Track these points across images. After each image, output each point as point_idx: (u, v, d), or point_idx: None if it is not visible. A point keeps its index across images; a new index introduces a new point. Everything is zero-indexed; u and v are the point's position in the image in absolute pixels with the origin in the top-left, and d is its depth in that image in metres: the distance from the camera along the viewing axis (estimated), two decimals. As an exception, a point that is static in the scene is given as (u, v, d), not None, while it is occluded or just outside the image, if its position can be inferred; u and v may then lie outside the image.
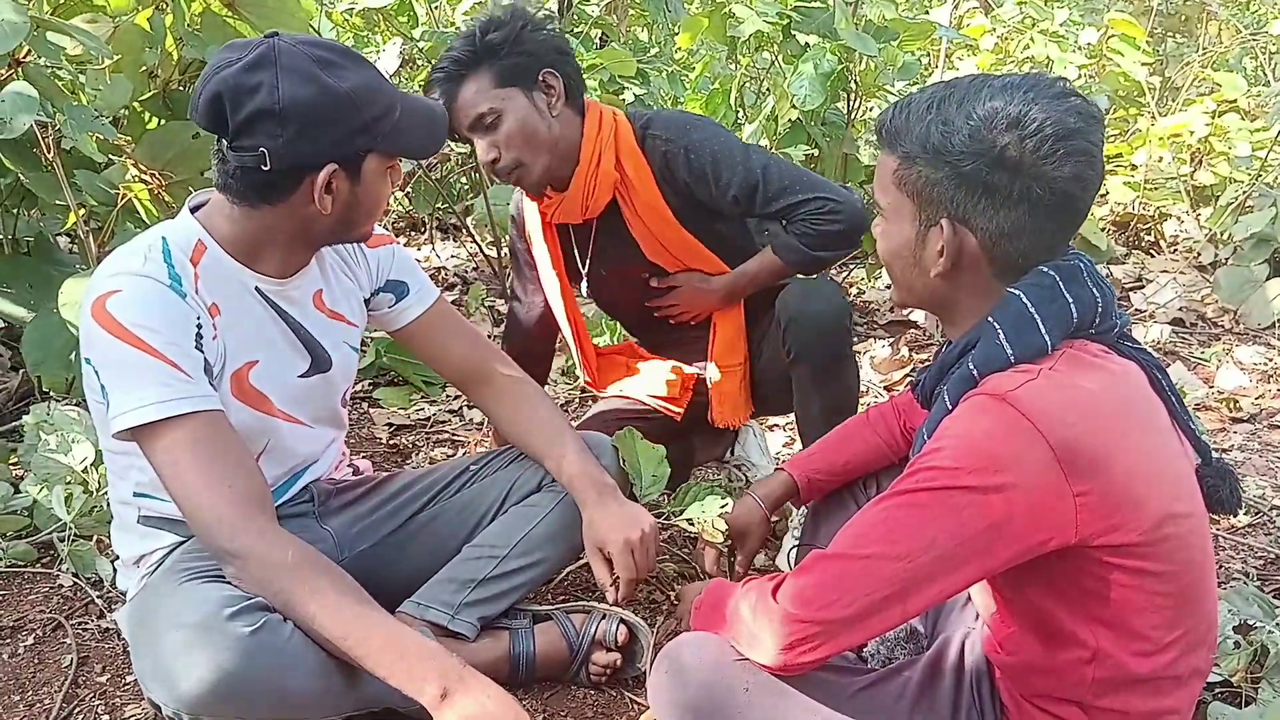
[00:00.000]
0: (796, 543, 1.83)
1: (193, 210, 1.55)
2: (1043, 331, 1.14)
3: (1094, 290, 1.18)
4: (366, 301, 1.77)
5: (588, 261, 2.23)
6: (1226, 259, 3.94)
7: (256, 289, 1.57)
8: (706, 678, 1.27)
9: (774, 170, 2.03)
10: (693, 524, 1.80)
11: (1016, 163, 1.12)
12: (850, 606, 1.14)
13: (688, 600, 1.56)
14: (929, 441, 1.15)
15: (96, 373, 1.44)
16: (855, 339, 2.21)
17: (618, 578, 1.68)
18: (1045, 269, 1.17)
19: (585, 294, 2.29)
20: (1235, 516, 1.41)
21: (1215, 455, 1.27)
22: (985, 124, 1.13)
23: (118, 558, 1.68)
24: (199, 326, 1.46)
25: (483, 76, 1.93)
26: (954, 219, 1.18)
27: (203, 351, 1.46)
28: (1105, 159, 1.18)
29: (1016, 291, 1.17)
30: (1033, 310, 1.15)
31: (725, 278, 2.16)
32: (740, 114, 3.44)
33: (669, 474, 1.90)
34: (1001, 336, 1.15)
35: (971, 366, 1.17)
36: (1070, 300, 1.16)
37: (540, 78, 1.96)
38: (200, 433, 1.41)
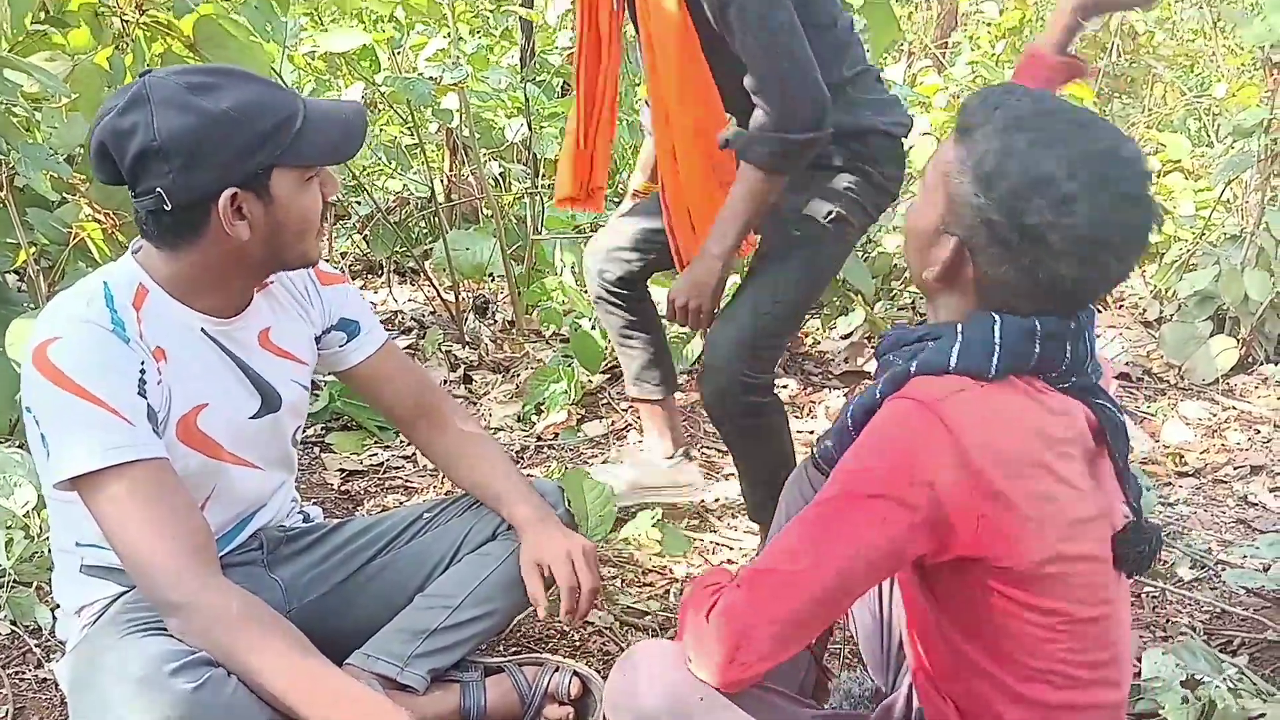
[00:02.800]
0: None
1: (134, 252, 1.53)
2: (994, 360, 1.16)
3: (1068, 351, 1.18)
4: (317, 340, 1.75)
5: None
6: (1171, 315, 4.02)
7: (202, 330, 1.55)
8: (660, 686, 1.27)
9: (764, 39, 1.85)
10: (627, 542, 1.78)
11: (1038, 239, 1.11)
12: (781, 620, 1.17)
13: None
14: (853, 445, 1.19)
15: (37, 421, 1.41)
16: (771, 389, 2.16)
17: (552, 599, 1.69)
18: (1039, 317, 1.17)
19: None
20: (1136, 577, 1.44)
21: (1147, 518, 1.27)
22: (1032, 187, 1.10)
23: (58, 606, 1.64)
24: (142, 372, 1.44)
25: None
26: (964, 242, 1.17)
27: (145, 398, 1.43)
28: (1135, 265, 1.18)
29: (996, 318, 1.17)
30: (998, 339, 1.16)
31: (710, 235, 2.02)
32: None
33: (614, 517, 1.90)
34: (955, 346, 1.17)
35: (912, 367, 1.19)
36: (1036, 354, 1.17)
37: None
38: (142, 482, 1.39)
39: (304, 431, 2.96)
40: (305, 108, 1.46)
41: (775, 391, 2.21)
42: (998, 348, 1.16)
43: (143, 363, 1.44)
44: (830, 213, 2.05)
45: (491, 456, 1.82)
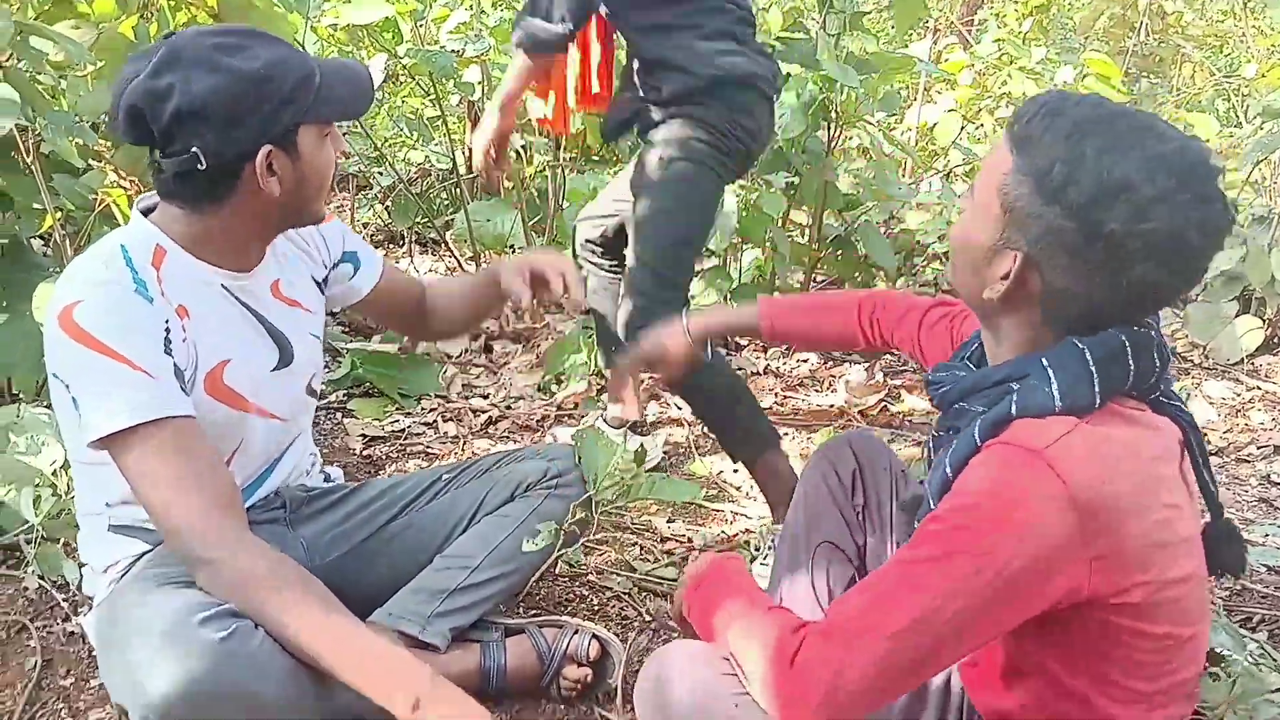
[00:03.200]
0: (773, 546, 1.79)
1: (145, 213, 1.54)
2: (1096, 390, 1.10)
3: (1156, 360, 1.15)
4: (325, 281, 1.78)
5: None
6: (1197, 295, 4.00)
7: (221, 285, 1.56)
8: (694, 691, 1.24)
9: None
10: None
11: (1114, 247, 1.06)
12: (874, 681, 1.09)
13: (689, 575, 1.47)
14: (953, 493, 1.12)
15: (66, 385, 1.42)
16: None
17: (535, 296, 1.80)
18: (1118, 332, 1.13)
19: None
20: (1238, 578, 1.39)
21: (1227, 515, 1.25)
22: (1107, 192, 1.05)
23: (84, 563, 1.66)
24: (167, 330, 1.45)
25: None
26: (1029, 256, 1.12)
27: (171, 356, 1.44)
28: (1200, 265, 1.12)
29: (1082, 346, 1.12)
30: (1093, 368, 1.11)
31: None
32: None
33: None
34: (1054, 386, 1.11)
35: (1014, 409, 1.12)
36: (1132, 369, 1.12)
37: None
38: (171, 440, 1.40)
39: (326, 398, 2.99)
40: (319, 65, 1.49)
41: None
42: (1095, 376, 1.11)
43: (167, 321, 1.45)
44: (670, 159, 2.24)
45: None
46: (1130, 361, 1.12)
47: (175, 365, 1.45)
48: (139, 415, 1.38)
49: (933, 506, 1.15)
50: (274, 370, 1.65)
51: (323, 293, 1.78)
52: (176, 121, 1.39)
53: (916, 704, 1.34)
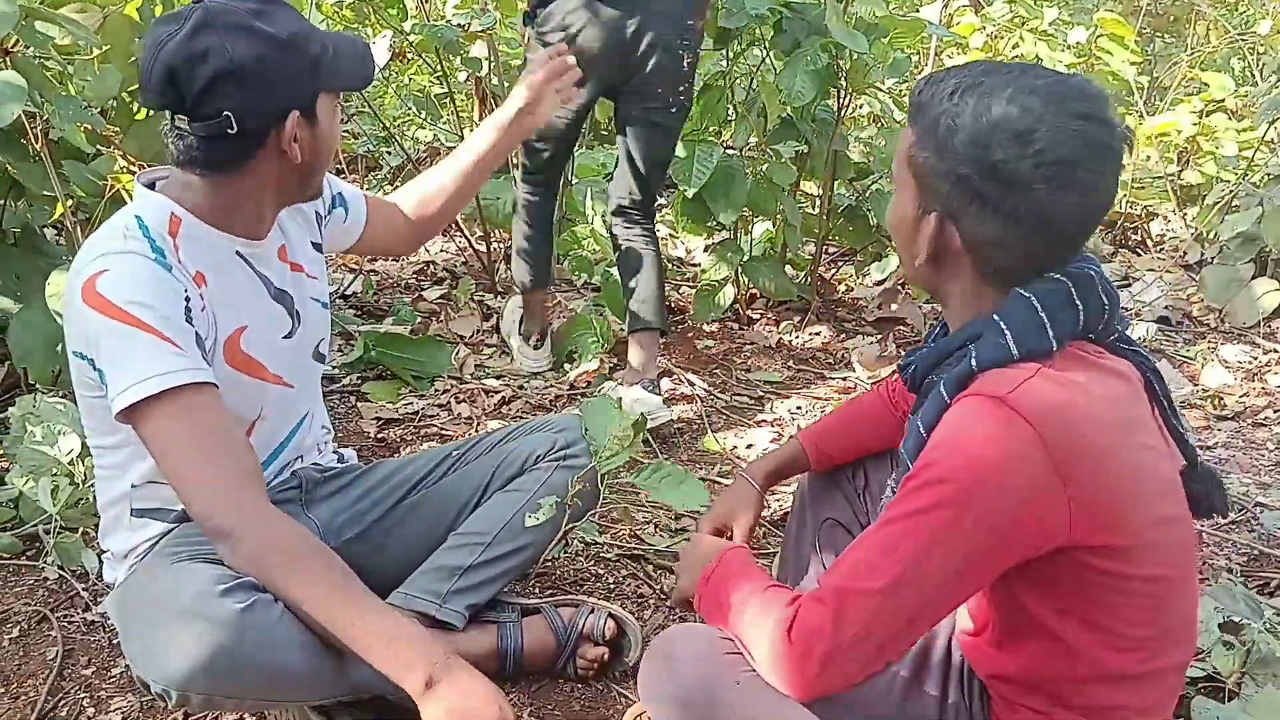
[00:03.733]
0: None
1: (149, 187, 1.54)
2: (1050, 335, 1.13)
3: (1103, 297, 1.17)
4: (321, 239, 1.79)
5: None
6: (1212, 258, 3.96)
7: (237, 252, 1.57)
8: (698, 670, 1.25)
9: None
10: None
11: (1010, 178, 1.10)
12: (869, 639, 1.12)
13: (689, 559, 1.49)
14: (928, 448, 1.14)
15: (91, 360, 1.43)
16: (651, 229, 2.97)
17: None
18: (1058, 275, 1.16)
19: None
20: (1224, 518, 1.41)
21: (1201, 458, 1.26)
22: (989, 130, 1.10)
23: (105, 551, 1.67)
24: (187, 299, 1.46)
25: None
26: (944, 215, 1.17)
27: (193, 324, 1.46)
28: (1115, 185, 1.15)
29: (1028, 295, 1.15)
30: (1042, 314, 1.14)
31: None
32: (731, 110, 3.44)
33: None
34: (1008, 337, 1.14)
35: (973, 363, 1.15)
36: (1080, 308, 1.15)
37: None
38: (195, 407, 1.40)
39: (339, 381, 2.99)
40: (328, 38, 1.52)
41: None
42: (1046, 321, 1.14)
43: (186, 290, 1.47)
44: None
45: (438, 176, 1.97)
46: (1077, 301, 1.15)
47: (197, 334, 1.46)
48: (168, 381, 1.38)
49: (910, 467, 1.18)
50: (285, 338, 1.67)
51: (320, 252, 1.79)
52: (212, 84, 1.40)
53: (920, 674, 1.35)
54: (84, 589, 1.98)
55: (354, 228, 1.86)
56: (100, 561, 1.88)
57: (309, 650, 1.41)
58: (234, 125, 1.42)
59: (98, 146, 2.67)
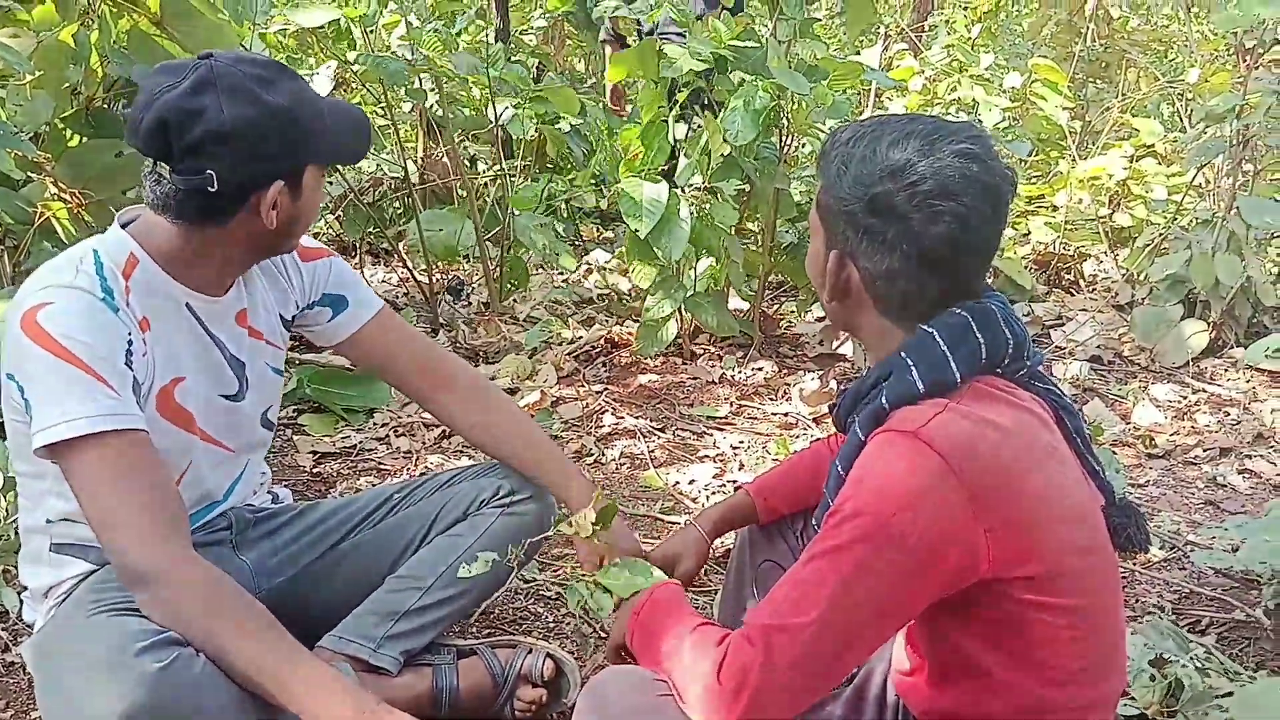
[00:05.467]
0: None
1: (123, 225, 1.52)
2: (953, 368, 1.17)
3: (1006, 332, 1.20)
4: (293, 319, 1.74)
5: None
6: (1143, 299, 4.06)
7: (187, 304, 1.55)
8: (629, 713, 1.25)
9: None
10: (570, 526, 1.59)
11: (889, 212, 1.16)
12: (797, 674, 1.13)
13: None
14: (846, 485, 1.16)
15: (21, 388, 1.39)
16: None
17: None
18: (958, 310, 1.20)
19: None
20: (1145, 553, 1.44)
21: (1121, 494, 1.29)
22: (872, 168, 1.17)
23: (24, 589, 1.62)
24: (129, 342, 1.43)
25: None
26: (842, 252, 1.23)
27: (131, 368, 1.43)
28: (1001, 228, 1.20)
29: (930, 330, 1.19)
30: (945, 348, 1.18)
31: None
32: (675, 147, 3.47)
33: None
34: (914, 373, 1.18)
35: (884, 401, 1.20)
36: (981, 342, 1.18)
37: None
38: (123, 452, 1.37)
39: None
40: (325, 106, 1.51)
41: None
42: (947, 353, 1.18)
43: (130, 333, 1.44)
44: None
45: (510, 414, 1.82)
46: (978, 334, 1.18)
47: (134, 378, 1.44)
48: (95, 425, 1.36)
49: (831, 505, 1.19)
50: (225, 398, 1.63)
51: (288, 329, 1.74)
52: (201, 142, 1.39)
53: (854, 710, 1.35)
54: (2, 629, 1.92)
55: (337, 331, 1.77)
56: (20, 601, 1.82)
57: (232, 705, 1.36)
58: (215, 185, 1.41)
59: (28, 173, 2.62)
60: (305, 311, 1.74)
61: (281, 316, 1.72)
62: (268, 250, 1.58)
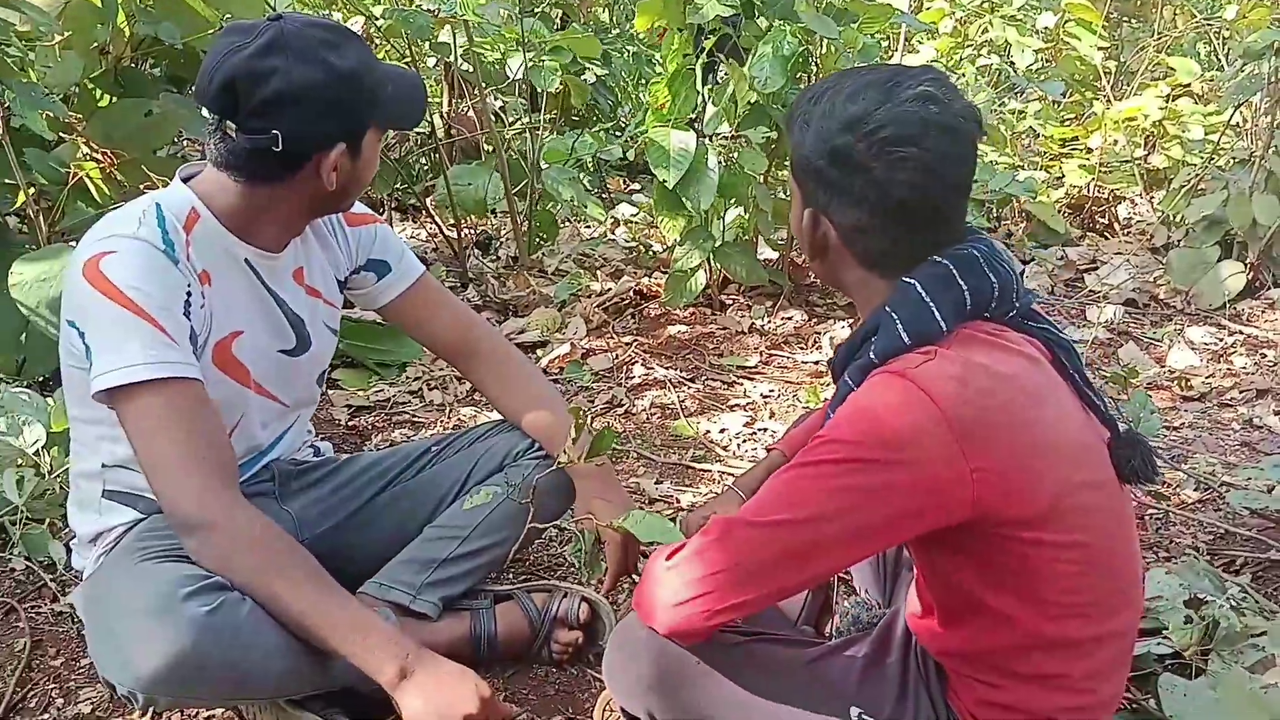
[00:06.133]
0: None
1: (184, 180, 1.55)
2: (938, 318, 1.17)
3: (990, 276, 1.19)
4: (344, 281, 1.77)
5: None
6: (1179, 241, 4.00)
7: (246, 260, 1.57)
8: (657, 653, 1.28)
9: None
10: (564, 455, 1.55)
11: (848, 161, 1.16)
12: (748, 570, 1.17)
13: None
14: (836, 414, 1.18)
15: (81, 334, 1.42)
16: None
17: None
18: (939, 258, 1.19)
19: None
20: (1152, 484, 1.44)
21: (1126, 428, 1.28)
22: (831, 122, 1.17)
23: (72, 538, 1.65)
24: (188, 294, 1.46)
25: None
26: (817, 209, 1.23)
27: (190, 319, 1.46)
28: (970, 167, 1.19)
29: (912, 281, 1.19)
30: (927, 298, 1.18)
31: None
32: (701, 96, 3.44)
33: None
34: (899, 325, 1.18)
35: (872, 355, 1.20)
36: (965, 289, 1.18)
37: None
38: (179, 400, 1.40)
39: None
40: (387, 73, 1.54)
41: None
42: (931, 303, 1.17)
43: (189, 284, 1.47)
44: None
45: (535, 386, 1.83)
46: (961, 281, 1.18)
47: (191, 329, 1.47)
48: (153, 372, 1.38)
49: None
50: (283, 353, 1.66)
51: (341, 290, 1.78)
52: (269, 103, 1.41)
53: (880, 654, 1.37)
54: (51, 580, 1.96)
55: (379, 296, 1.80)
56: (68, 551, 1.86)
57: (278, 649, 1.40)
58: (279, 145, 1.43)
59: (59, 134, 2.64)
60: (352, 276, 1.77)
61: (335, 278, 1.75)
62: (325, 210, 1.61)
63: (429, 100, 1.61)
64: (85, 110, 2.76)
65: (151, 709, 1.58)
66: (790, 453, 1.71)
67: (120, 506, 1.58)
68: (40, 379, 2.57)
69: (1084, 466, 1.19)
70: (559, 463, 1.53)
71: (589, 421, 1.51)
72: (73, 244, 1.52)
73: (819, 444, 1.16)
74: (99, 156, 2.56)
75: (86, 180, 2.53)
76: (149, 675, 1.33)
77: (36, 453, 2.05)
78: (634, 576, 1.70)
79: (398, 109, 1.55)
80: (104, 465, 1.57)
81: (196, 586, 1.36)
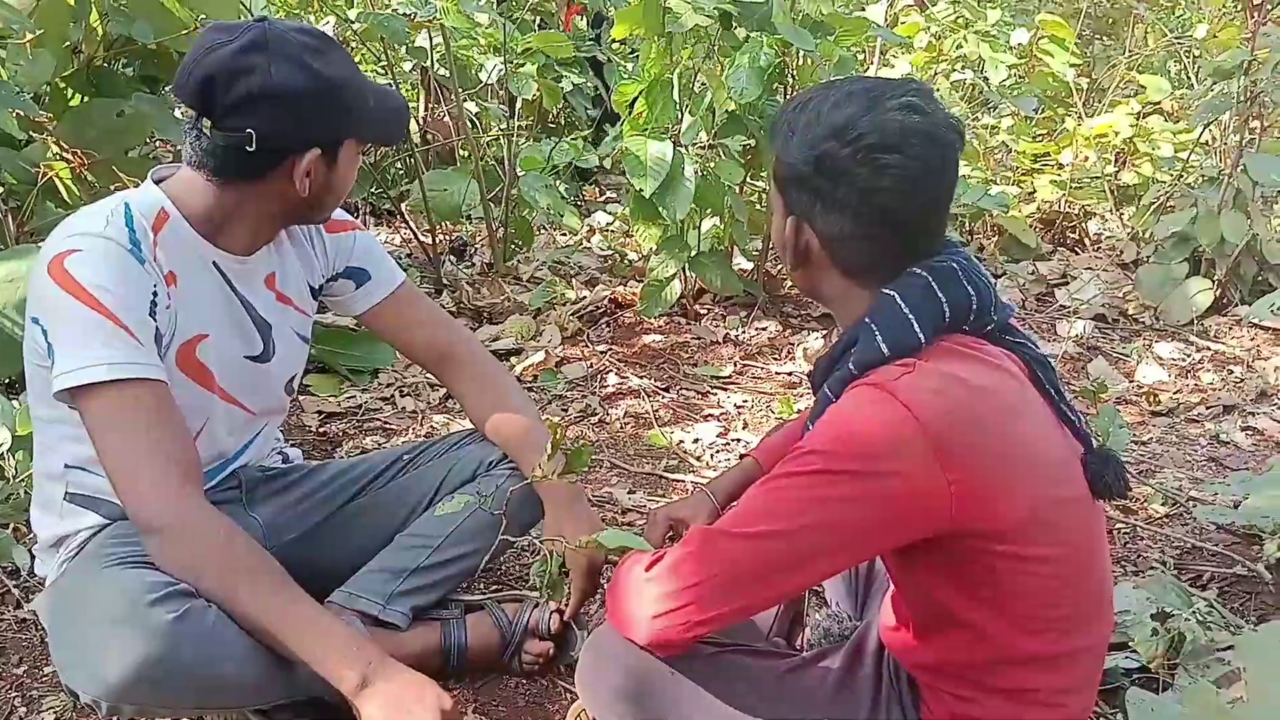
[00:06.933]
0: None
1: (156, 182, 1.53)
2: (917, 330, 1.18)
3: (969, 289, 1.20)
4: (320, 288, 1.75)
5: None
6: (1148, 257, 4.04)
7: (215, 264, 1.56)
8: (631, 663, 1.28)
9: None
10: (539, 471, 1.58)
11: (836, 170, 1.17)
12: (728, 582, 1.17)
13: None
14: (815, 426, 1.19)
15: (45, 331, 1.41)
16: None
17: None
18: (918, 270, 1.20)
19: None
20: (1124, 499, 1.46)
21: (1099, 443, 1.29)
22: (815, 130, 1.18)
23: (36, 543, 1.63)
24: (154, 294, 1.45)
25: None
26: (799, 218, 1.24)
27: (155, 320, 1.45)
28: (952, 178, 1.20)
29: (890, 292, 1.20)
30: (906, 310, 1.18)
31: None
32: (679, 105, 3.44)
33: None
34: (878, 337, 1.19)
35: (851, 366, 1.20)
36: (944, 300, 1.19)
37: None
38: (142, 401, 1.39)
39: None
40: (371, 89, 1.54)
41: None
42: (910, 316, 1.18)
43: (155, 285, 1.46)
44: None
45: (513, 400, 1.81)
46: (939, 294, 1.19)
47: (157, 329, 1.45)
48: (116, 372, 1.37)
49: None
50: (250, 359, 1.64)
51: (315, 298, 1.76)
52: (246, 101, 1.41)
53: (853, 668, 1.37)
54: (15, 585, 1.93)
55: (356, 304, 1.79)
56: (32, 557, 1.83)
57: (244, 656, 1.39)
58: (253, 144, 1.43)
59: (29, 133, 2.61)
60: (329, 283, 1.76)
61: (309, 285, 1.73)
62: (299, 217, 1.60)
63: (411, 118, 1.60)
64: (56, 110, 2.73)
65: (115, 718, 1.56)
66: (765, 461, 1.72)
67: (82, 511, 1.56)
68: (6, 381, 2.53)
69: (1060, 481, 1.20)
70: (532, 477, 1.53)
71: (564, 438, 1.51)
72: (41, 245, 1.50)
73: (798, 455, 1.16)
74: (69, 156, 2.54)
75: (56, 180, 2.50)
76: (115, 683, 1.31)
77: (1, 456, 2.01)
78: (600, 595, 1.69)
79: (378, 125, 1.56)
80: (66, 466, 1.55)
81: (163, 593, 1.34)
